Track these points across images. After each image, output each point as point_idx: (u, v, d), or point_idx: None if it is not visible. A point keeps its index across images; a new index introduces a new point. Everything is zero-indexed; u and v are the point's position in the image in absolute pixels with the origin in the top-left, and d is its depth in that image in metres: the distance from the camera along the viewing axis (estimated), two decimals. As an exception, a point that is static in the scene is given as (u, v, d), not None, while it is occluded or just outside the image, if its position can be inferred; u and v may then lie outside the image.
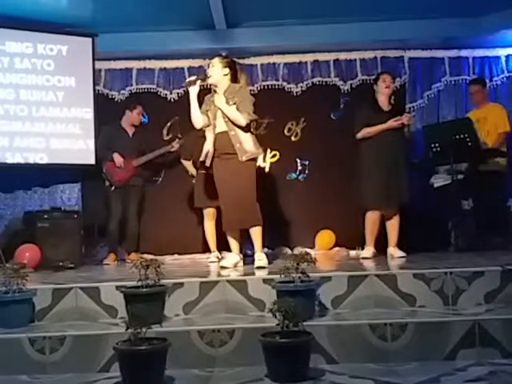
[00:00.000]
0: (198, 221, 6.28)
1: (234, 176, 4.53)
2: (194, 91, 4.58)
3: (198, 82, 4.60)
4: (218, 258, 5.76)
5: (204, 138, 4.90)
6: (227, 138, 4.56)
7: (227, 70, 4.67)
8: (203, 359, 3.09)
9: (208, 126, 4.72)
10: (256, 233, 4.58)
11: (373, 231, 5.22)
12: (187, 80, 4.73)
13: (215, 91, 4.70)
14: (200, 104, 4.67)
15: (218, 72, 4.64)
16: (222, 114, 4.59)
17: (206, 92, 4.85)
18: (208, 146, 4.70)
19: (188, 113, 6.69)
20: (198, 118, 4.66)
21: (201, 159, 4.80)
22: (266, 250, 5.56)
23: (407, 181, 5.11)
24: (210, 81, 4.68)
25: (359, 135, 5.24)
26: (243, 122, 4.55)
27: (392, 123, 5.12)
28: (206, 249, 6.08)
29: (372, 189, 5.08)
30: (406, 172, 5.14)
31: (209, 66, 4.76)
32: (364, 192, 5.15)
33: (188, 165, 6.07)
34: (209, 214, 5.85)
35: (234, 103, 4.56)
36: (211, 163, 4.67)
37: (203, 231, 6.01)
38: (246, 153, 4.55)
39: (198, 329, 3.17)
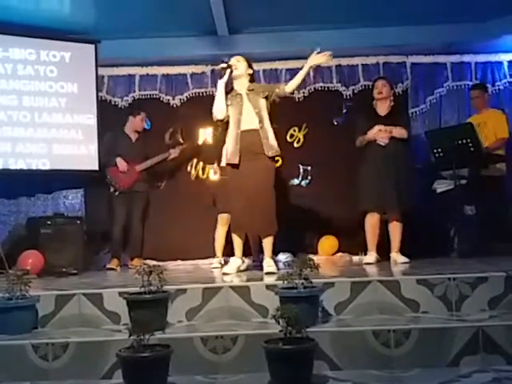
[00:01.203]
0: (201, 226, 6.27)
1: (258, 178, 4.51)
2: (224, 79, 4.61)
3: (228, 71, 4.62)
4: (220, 263, 5.75)
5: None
6: (254, 136, 4.54)
7: (251, 71, 4.77)
8: (206, 366, 3.09)
9: (227, 119, 4.66)
10: (269, 240, 4.59)
11: (373, 236, 5.22)
12: (222, 65, 4.66)
13: (232, 87, 4.69)
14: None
15: (243, 68, 4.69)
16: (254, 105, 4.58)
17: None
18: (232, 145, 4.61)
19: (190, 119, 6.76)
20: (222, 109, 4.62)
21: (226, 161, 4.69)
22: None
23: (409, 185, 5.10)
24: (235, 73, 4.66)
25: (357, 143, 5.32)
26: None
27: (376, 134, 5.14)
28: (209, 254, 6.06)
29: (368, 190, 5.10)
30: (408, 176, 5.14)
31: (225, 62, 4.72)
32: (360, 194, 5.18)
33: (213, 168, 6.05)
34: (222, 219, 5.81)
35: (266, 96, 4.64)
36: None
37: (207, 236, 6.00)
38: (272, 149, 4.57)
39: (201, 335, 3.17)
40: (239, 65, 4.67)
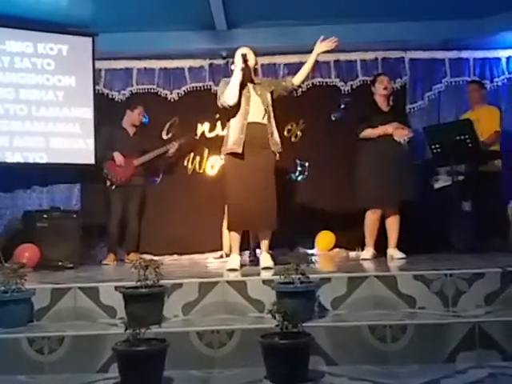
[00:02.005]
0: (198, 221, 6.27)
1: (262, 171, 4.46)
2: (241, 65, 4.50)
3: (248, 59, 4.52)
4: (222, 256, 5.76)
5: None
6: (260, 129, 4.51)
7: (257, 65, 4.75)
8: (202, 360, 3.08)
9: (236, 105, 4.54)
10: (268, 235, 4.56)
11: (372, 232, 5.21)
12: (242, 52, 4.55)
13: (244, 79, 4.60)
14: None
15: (253, 60, 4.64)
16: (263, 100, 4.56)
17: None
18: (236, 134, 4.51)
19: (188, 113, 6.73)
20: (235, 95, 4.48)
21: (228, 150, 4.56)
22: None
23: (410, 180, 5.08)
24: (248, 63, 4.56)
25: (363, 134, 5.24)
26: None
27: (396, 131, 5.12)
28: (206, 249, 6.06)
29: (370, 187, 5.07)
30: (409, 171, 5.12)
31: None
32: (362, 190, 5.14)
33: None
34: None
35: (272, 91, 4.64)
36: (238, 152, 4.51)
37: (203, 231, 6.00)
38: (276, 144, 4.57)
39: (197, 330, 3.16)
40: (250, 57, 4.59)
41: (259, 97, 4.59)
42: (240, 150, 4.48)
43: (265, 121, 4.56)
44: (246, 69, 4.54)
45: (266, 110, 4.57)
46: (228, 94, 4.52)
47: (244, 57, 4.49)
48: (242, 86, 4.56)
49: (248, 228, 4.73)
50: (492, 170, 5.62)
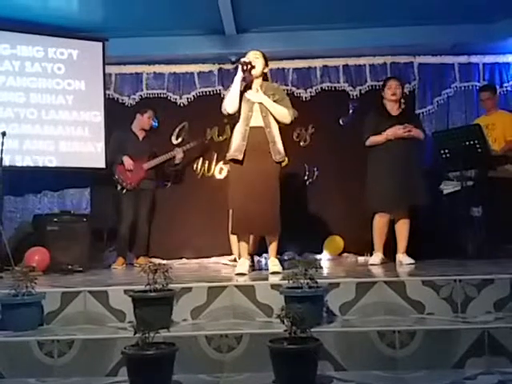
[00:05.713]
0: (207, 225, 6.29)
1: (263, 177, 4.41)
2: (242, 75, 4.46)
3: (248, 67, 4.45)
4: (236, 260, 5.77)
5: None
6: (262, 134, 4.46)
7: (267, 69, 4.66)
8: (211, 364, 3.09)
9: (236, 114, 4.53)
10: (274, 240, 4.54)
11: (381, 236, 5.20)
12: (244, 60, 4.48)
13: (248, 86, 4.57)
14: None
15: (261, 66, 4.57)
16: (261, 108, 4.49)
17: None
18: (238, 140, 4.51)
19: (197, 117, 6.76)
20: (235, 104, 4.46)
21: (230, 156, 4.57)
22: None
23: (420, 184, 5.06)
24: (253, 72, 4.50)
25: (367, 143, 5.25)
26: (289, 118, 4.53)
27: (397, 131, 5.09)
28: (215, 253, 6.08)
29: (380, 191, 5.06)
30: (419, 176, 5.10)
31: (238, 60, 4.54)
32: (372, 194, 5.13)
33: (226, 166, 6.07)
34: None
35: (275, 101, 4.53)
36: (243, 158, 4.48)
37: (212, 235, 6.01)
38: (279, 153, 4.49)
39: (206, 334, 3.17)
40: (257, 62, 4.53)
41: (263, 102, 4.53)
42: (240, 157, 4.47)
43: (268, 127, 4.50)
44: (247, 77, 4.50)
45: (264, 118, 4.49)
46: (227, 103, 4.52)
47: (243, 66, 4.44)
48: (246, 90, 4.54)
49: (251, 233, 4.73)
50: (502, 175, 5.60)
